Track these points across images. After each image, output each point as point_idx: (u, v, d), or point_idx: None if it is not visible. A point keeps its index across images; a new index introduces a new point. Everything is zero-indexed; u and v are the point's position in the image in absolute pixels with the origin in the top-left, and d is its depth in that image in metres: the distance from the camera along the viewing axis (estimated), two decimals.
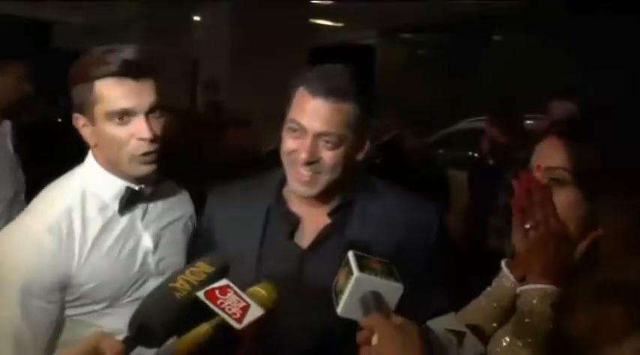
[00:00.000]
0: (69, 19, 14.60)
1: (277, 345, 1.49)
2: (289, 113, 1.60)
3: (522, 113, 4.95)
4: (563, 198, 1.22)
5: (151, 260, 1.70)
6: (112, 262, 1.62)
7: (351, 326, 1.19)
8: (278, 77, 8.33)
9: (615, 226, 1.19)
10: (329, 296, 1.25)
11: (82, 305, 1.62)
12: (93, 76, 1.57)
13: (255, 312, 1.07)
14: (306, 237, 1.65)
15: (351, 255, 1.22)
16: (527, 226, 1.25)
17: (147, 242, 1.70)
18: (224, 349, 1.08)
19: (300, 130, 1.56)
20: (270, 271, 1.56)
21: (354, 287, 1.15)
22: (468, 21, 11.63)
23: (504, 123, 4.64)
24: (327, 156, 1.56)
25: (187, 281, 1.12)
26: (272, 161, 4.74)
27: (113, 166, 1.64)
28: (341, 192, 1.66)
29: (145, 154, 1.60)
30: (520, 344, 1.21)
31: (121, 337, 1.03)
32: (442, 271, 1.69)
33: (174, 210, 1.82)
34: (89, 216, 1.61)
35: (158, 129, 1.62)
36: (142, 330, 1.05)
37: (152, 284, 1.62)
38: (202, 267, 1.16)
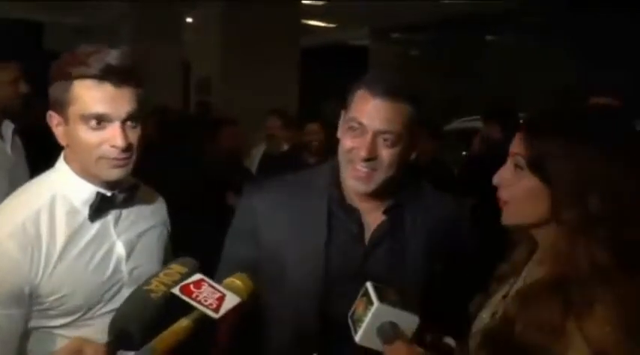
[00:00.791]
0: (60, 20, 14.56)
1: (338, 340, 1.49)
2: (349, 113, 1.66)
3: (517, 112, 4.97)
4: (522, 183, 1.27)
5: (124, 268, 1.64)
6: (81, 270, 1.57)
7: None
8: (270, 78, 8.35)
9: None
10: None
11: (55, 317, 1.56)
12: (72, 75, 1.52)
13: (232, 301, 1.09)
14: (365, 236, 1.71)
15: (369, 285, 1.25)
16: None
17: (120, 249, 1.64)
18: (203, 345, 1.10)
19: (360, 129, 1.62)
20: (338, 267, 1.63)
21: (373, 316, 1.19)
22: (460, 20, 11.67)
23: (502, 122, 4.65)
24: (385, 153, 1.62)
25: (162, 283, 1.13)
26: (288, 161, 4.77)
27: (84, 169, 1.59)
28: (393, 190, 1.72)
29: (115, 159, 1.56)
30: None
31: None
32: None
33: (149, 218, 1.77)
34: (58, 222, 1.55)
35: (133, 138, 1.56)
36: (121, 334, 1.06)
37: (126, 292, 1.57)
38: (176, 268, 1.18)
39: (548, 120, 1.29)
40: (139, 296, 1.12)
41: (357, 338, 1.21)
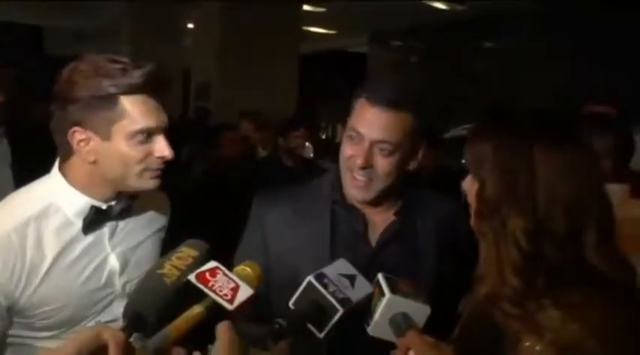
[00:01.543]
0: (59, 24, 14.58)
1: (345, 343, 1.48)
2: (350, 122, 1.67)
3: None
4: (471, 190, 1.30)
5: (118, 281, 1.60)
6: (70, 283, 1.52)
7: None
8: (269, 83, 8.35)
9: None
10: None
11: (39, 330, 1.52)
12: (115, 90, 1.46)
13: (246, 292, 1.09)
14: (372, 236, 1.72)
15: (381, 277, 1.26)
16: None
17: (113, 263, 1.60)
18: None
19: (357, 137, 1.63)
20: None
21: (385, 308, 1.20)
22: (458, 26, 11.70)
23: None
24: (383, 162, 1.63)
25: (175, 267, 1.13)
26: (267, 165, 4.69)
27: (90, 183, 1.54)
28: (397, 197, 1.74)
29: (157, 169, 1.55)
30: None
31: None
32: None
33: (148, 226, 1.73)
34: (48, 234, 1.50)
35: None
36: (135, 319, 1.06)
37: (118, 305, 1.55)
38: (187, 252, 1.17)
39: (486, 127, 1.33)
40: (154, 280, 1.12)
41: (370, 329, 1.22)
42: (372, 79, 1.74)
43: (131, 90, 1.47)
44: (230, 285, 1.09)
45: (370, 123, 1.61)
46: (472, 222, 1.30)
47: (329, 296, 1.15)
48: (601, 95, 3.99)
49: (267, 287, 1.65)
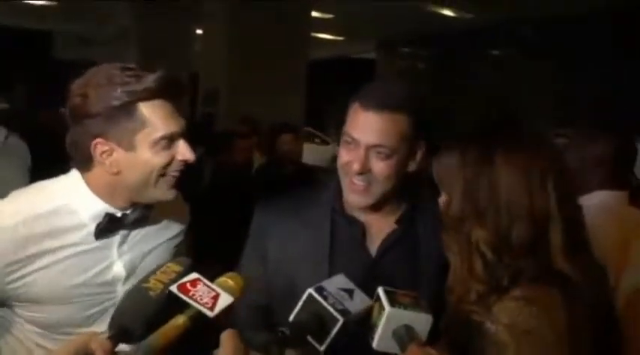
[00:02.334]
0: (67, 29, 14.68)
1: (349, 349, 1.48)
2: (345, 128, 1.66)
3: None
4: (441, 198, 1.41)
5: (120, 288, 1.58)
6: (66, 283, 1.52)
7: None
8: (277, 89, 8.33)
9: None
10: None
11: (40, 326, 1.53)
12: (131, 97, 1.45)
13: (226, 300, 1.12)
14: (372, 245, 1.70)
15: (381, 290, 1.26)
16: None
17: (119, 270, 1.59)
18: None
19: (353, 143, 1.62)
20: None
21: (386, 321, 1.20)
22: (467, 34, 11.71)
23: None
24: (379, 166, 1.61)
25: (159, 281, 1.17)
26: (267, 173, 4.64)
27: (109, 192, 1.54)
28: (399, 201, 1.72)
29: (174, 177, 1.54)
30: None
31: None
32: None
33: (162, 233, 1.71)
34: (56, 232, 1.51)
35: None
36: (121, 330, 1.09)
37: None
38: (172, 267, 1.21)
39: (451, 145, 1.41)
40: (139, 293, 1.16)
41: (374, 343, 1.22)
42: (368, 84, 1.71)
43: (147, 96, 1.46)
44: (210, 294, 1.12)
45: (365, 128, 1.59)
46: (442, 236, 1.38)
47: (329, 307, 1.15)
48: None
49: (270, 297, 1.65)
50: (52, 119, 6.76)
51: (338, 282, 1.24)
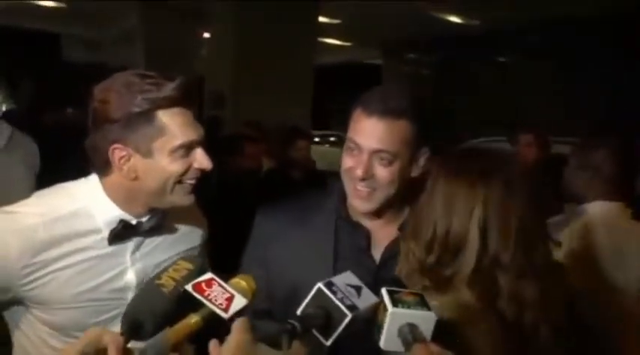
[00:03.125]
0: (75, 32, 14.74)
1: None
2: (348, 133, 1.67)
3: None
4: None
5: (130, 296, 1.55)
6: (78, 286, 1.52)
7: None
8: (284, 94, 8.32)
9: None
10: None
11: (51, 326, 1.54)
12: (151, 105, 1.46)
13: (240, 302, 1.14)
14: (376, 251, 1.71)
15: (384, 291, 1.27)
16: None
17: (130, 277, 1.59)
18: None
19: (356, 148, 1.63)
20: None
21: (390, 321, 1.22)
22: (473, 39, 11.71)
23: (538, 142, 4.57)
24: (382, 172, 1.62)
25: (171, 278, 1.20)
26: (271, 180, 4.59)
27: (126, 198, 1.55)
28: (405, 208, 1.72)
29: (191, 184, 1.55)
30: None
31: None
32: None
33: (176, 244, 1.71)
34: (73, 235, 1.51)
35: None
36: (134, 325, 1.12)
37: None
38: (183, 265, 1.25)
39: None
40: (151, 289, 1.19)
41: (381, 343, 1.23)
42: (371, 89, 1.70)
43: (166, 104, 1.47)
44: (225, 295, 1.14)
45: (367, 134, 1.60)
46: None
47: (338, 302, 1.16)
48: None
49: (272, 302, 1.64)
50: (58, 119, 6.83)
51: (346, 279, 1.25)
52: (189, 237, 1.75)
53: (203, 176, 1.57)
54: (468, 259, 1.35)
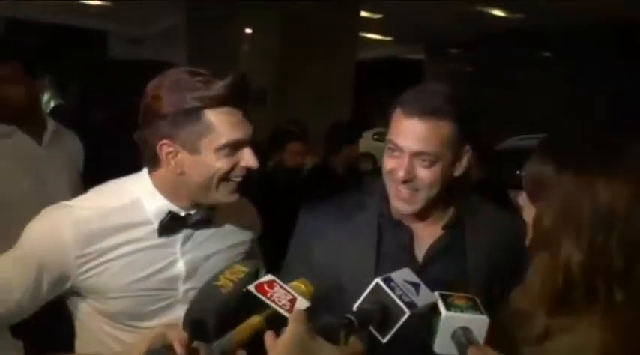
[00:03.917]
0: (119, 30, 14.98)
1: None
2: (388, 134, 1.66)
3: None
4: (523, 198, 1.32)
5: (181, 286, 1.63)
6: (130, 276, 1.58)
7: None
8: (325, 90, 8.29)
9: None
10: None
11: (106, 316, 1.60)
12: (199, 103, 1.49)
13: (302, 304, 1.17)
14: (419, 250, 1.70)
15: (437, 295, 1.28)
16: None
17: (180, 268, 1.63)
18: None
19: (397, 150, 1.62)
20: None
21: (443, 325, 1.23)
22: (515, 36, 11.53)
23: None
24: (424, 173, 1.60)
25: (229, 279, 1.24)
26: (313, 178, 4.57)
27: (174, 192, 1.60)
28: (447, 207, 1.71)
29: (237, 183, 1.58)
30: None
31: None
32: None
33: (227, 237, 1.75)
34: (124, 227, 1.57)
35: None
36: (196, 325, 1.15)
37: (179, 309, 1.57)
38: (239, 268, 1.29)
39: (548, 147, 1.31)
40: (210, 290, 1.23)
41: (435, 347, 1.25)
42: (410, 89, 1.67)
43: (215, 103, 1.49)
44: (287, 297, 1.16)
45: (408, 135, 1.58)
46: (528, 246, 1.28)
47: (396, 299, 1.16)
48: None
49: (313, 300, 1.66)
50: (104, 117, 6.96)
51: (404, 275, 1.26)
52: (240, 231, 1.79)
53: (249, 174, 1.59)
54: None
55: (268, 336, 1.02)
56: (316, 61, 8.26)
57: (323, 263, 1.70)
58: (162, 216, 1.59)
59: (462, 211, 1.71)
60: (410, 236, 1.69)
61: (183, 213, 1.61)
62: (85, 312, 1.63)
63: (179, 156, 1.53)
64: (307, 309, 1.09)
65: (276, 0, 8.54)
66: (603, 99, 9.99)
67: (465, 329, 1.21)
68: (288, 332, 1.02)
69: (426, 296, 1.23)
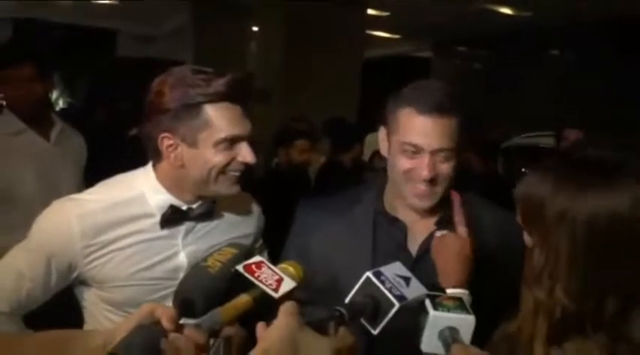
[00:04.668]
0: (127, 29, 15.02)
1: (387, 349, 1.50)
2: (398, 136, 1.65)
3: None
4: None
5: (182, 276, 1.64)
6: (133, 267, 1.64)
7: None
8: (331, 87, 8.29)
9: None
10: None
11: (109, 303, 1.67)
12: (200, 99, 1.56)
13: (289, 284, 1.21)
14: (413, 245, 1.72)
15: (425, 295, 1.30)
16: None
17: (182, 259, 1.69)
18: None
19: (415, 149, 1.62)
20: None
21: (430, 324, 1.25)
22: (523, 34, 11.48)
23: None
24: (443, 168, 1.63)
25: (217, 260, 1.31)
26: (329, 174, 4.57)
27: (175, 185, 1.66)
28: (444, 202, 1.72)
29: (236, 176, 1.64)
30: None
31: None
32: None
33: (232, 229, 1.81)
34: (129, 219, 1.64)
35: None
36: (184, 304, 1.21)
37: None
38: (228, 250, 1.35)
39: (546, 171, 1.20)
40: (198, 270, 1.29)
41: (422, 346, 1.27)
42: (410, 87, 1.65)
43: (215, 99, 1.56)
44: (275, 277, 1.20)
45: (426, 134, 1.59)
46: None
47: (386, 292, 1.18)
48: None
49: (308, 291, 1.68)
50: (109, 114, 6.99)
51: (395, 269, 1.27)
52: (242, 224, 1.85)
53: (247, 169, 1.65)
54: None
55: (259, 326, 1.04)
56: (323, 59, 8.25)
57: (319, 256, 1.73)
58: (165, 209, 1.66)
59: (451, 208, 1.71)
60: (404, 232, 1.72)
61: (185, 207, 1.68)
62: (91, 301, 1.70)
63: (179, 149, 1.60)
64: (299, 302, 1.10)
65: None
66: (611, 97, 9.92)
67: (452, 329, 1.23)
68: (279, 322, 1.04)
69: (416, 289, 1.25)
